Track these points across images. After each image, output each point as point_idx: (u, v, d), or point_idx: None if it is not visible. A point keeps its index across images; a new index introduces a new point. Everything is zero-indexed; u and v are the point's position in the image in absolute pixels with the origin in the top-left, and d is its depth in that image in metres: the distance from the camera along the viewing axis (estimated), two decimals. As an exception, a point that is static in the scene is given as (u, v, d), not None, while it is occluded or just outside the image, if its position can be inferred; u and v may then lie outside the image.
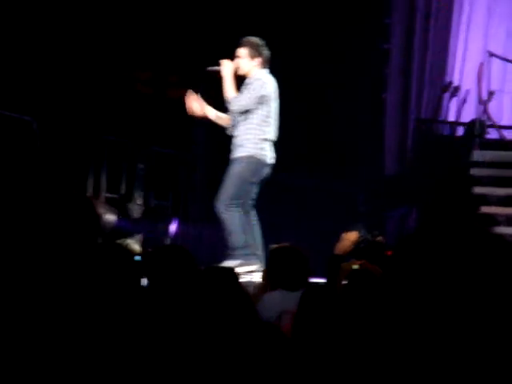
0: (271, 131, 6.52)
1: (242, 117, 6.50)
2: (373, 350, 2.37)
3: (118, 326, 2.25)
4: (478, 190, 8.28)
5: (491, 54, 8.66)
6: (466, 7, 9.22)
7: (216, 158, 9.28)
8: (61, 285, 2.08)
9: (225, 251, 6.40)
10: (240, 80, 6.60)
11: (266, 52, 6.55)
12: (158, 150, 9.18)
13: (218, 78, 6.53)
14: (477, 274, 1.26)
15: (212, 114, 6.69)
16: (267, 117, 6.49)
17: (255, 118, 6.46)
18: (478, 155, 8.47)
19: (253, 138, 6.44)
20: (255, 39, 6.56)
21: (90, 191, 8.35)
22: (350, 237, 5.37)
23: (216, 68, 6.54)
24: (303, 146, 9.12)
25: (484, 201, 8.25)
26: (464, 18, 9.22)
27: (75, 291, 2.13)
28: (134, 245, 6.51)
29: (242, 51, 6.52)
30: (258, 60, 6.51)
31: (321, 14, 9.07)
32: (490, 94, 8.71)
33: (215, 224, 8.09)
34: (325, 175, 8.97)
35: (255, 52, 6.51)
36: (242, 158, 6.43)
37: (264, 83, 6.47)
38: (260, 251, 6.37)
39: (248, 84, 6.50)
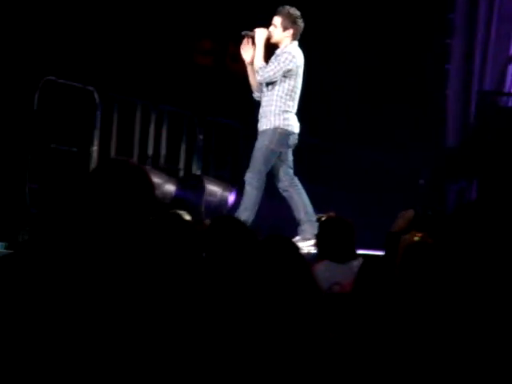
0: (294, 105, 6.56)
1: (269, 87, 6.53)
2: (429, 324, 2.34)
3: (176, 296, 2.26)
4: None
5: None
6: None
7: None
8: (117, 256, 2.10)
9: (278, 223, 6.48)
10: (271, 49, 6.61)
11: (301, 24, 6.54)
12: (218, 121, 9.19)
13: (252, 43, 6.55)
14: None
15: (253, 67, 6.65)
16: (292, 91, 6.54)
17: (280, 90, 6.50)
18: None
19: (274, 109, 6.49)
20: (292, 9, 6.54)
21: (149, 161, 8.42)
22: (406, 215, 5.33)
23: (250, 33, 6.57)
24: (366, 120, 9.05)
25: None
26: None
27: (132, 262, 2.15)
28: (185, 215, 6.55)
29: (277, 20, 6.53)
30: (290, 31, 6.51)
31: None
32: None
33: (271, 195, 8.10)
34: (385, 148, 8.89)
35: (289, 23, 6.50)
36: (267, 131, 6.49)
37: (293, 57, 6.49)
38: (313, 217, 6.41)
39: (277, 55, 6.53)
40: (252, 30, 6.58)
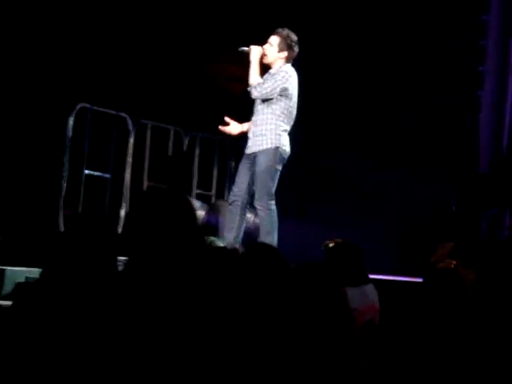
0: (290, 125, 6.48)
1: (264, 105, 6.47)
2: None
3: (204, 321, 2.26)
4: None
5: None
6: None
7: (306, 158, 9.28)
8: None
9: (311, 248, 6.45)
10: (263, 68, 6.60)
11: (296, 50, 6.50)
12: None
13: (246, 60, 6.53)
14: None
15: (246, 126, 6.64)
16: (288, 111, 6.46)
17: (277, 109, 6.43)
18: None
19: (275, 128, 6.41)
20: (291, 34, 6.50)
21: (181, 187, 8.45)
22: (447, 246, 5.33)
23: (246, 49, 6.54)
24: (395, 145, 9.03)
25: None
26: None
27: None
28: (219, 242, 6.55)
29: (274, 40, 6.49)
30: (285, 54, 6.48)
31: (416, 9, 8.96)
32: None
33: (304, 220, 8.10)
34: (416, 173, 8.86)
35: (285, 46, 6.47)
36: (267, 150, 6.38)
37: (290, 76, 6.44)
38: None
39: (273, 74, 6.47)
40: (248, 46, 6.54)
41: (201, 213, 7.98)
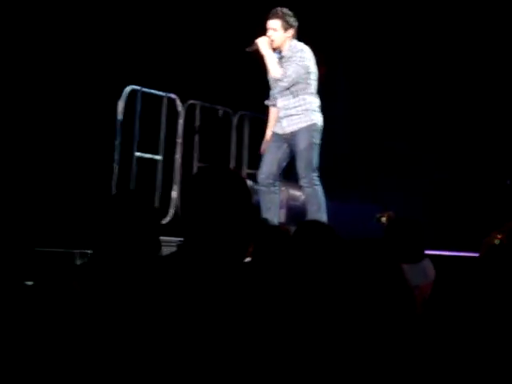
0: (316, 95, 6.47)
1: (293, 88, 6.41)
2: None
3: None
4: None
5: None
6: None
7: (355, 136, 9.22)
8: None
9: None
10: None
11: (296, 22, 6.44)
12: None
13: (259, 58, 6.47)
14: None
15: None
16: (315, 85, 6.43)
17: (307, 88, 6.40)
18: None
19: (310, 106, 6.38)
20: (285, 10, 6.44)
21: (232, 166, 8.44)
22: (489, 241, 5.22)
23: (253, 47, 6.46)
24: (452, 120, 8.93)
25: None
26: None
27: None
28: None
29: (276, 23, 6.42)
30: (291, 31, 6.41)
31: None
32: None
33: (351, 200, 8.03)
34: (471, 147, 8.76)
35: (287, 24, 6.41)
36: (308, 127, 6.36)
37: (304, 52, 6.39)
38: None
39: (289, 57, 6.41)
40: (253, 43, 6.47)
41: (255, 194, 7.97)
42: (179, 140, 7.86)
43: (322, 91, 6.62)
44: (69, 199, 7.26)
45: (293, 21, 6.44)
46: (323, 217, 6.23)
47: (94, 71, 7.55)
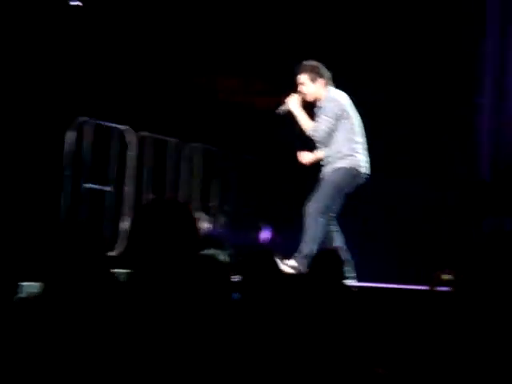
0: (360, 142, 6.57)
1: (329, 137, 6.55)
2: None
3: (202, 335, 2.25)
4: None
5: None
6: None
7: (303, 167, 9.27)
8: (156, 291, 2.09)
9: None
10: (311, 105, 6.68)
11: (325, 71, 6.59)
12: (249, 157, 9.21)
13: (291, 117, 6.61)
14: None
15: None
16: (352, 130, 6.55)
17: (340, 134, 6.51)
18: None
19: (344, 152, 6.50)
20: (311, 62, 6.59)
21: (182, 199, 8.43)
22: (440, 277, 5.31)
23: (284, 107, 6.62)
24: (399, 153, 9.02)
25: None
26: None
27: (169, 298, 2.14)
28: (221, 255, 6.54)
29: (303, 78, 6.57)
30: (320, 81, 6.54)
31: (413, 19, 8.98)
32: None
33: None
34: (416, 180, 8.85)
35: (315, 74, 6.55)
36: (339, 169, 6.50)
37: (335, 101, 6.54)
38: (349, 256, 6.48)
39: (321, 107, 6.57)
40: (282, 104, 6.61)
41: (203, 224, 7.97)
42: (129, 171, 7.84)
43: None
44: (16, 230, 7.17)
45: (319, 72, 6.57)
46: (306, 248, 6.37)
47: (45, 102, 7.51)
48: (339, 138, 6.51)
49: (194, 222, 2.15)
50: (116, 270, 3.55)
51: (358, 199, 8.54)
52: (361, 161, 6.57)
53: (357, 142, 6.57)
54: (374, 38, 8.99)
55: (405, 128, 8.95)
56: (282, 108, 6.64)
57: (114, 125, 7.74)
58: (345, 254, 6.51)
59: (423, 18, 8.94)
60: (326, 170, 6.59)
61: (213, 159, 8.92)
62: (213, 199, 8.85)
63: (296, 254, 6.48)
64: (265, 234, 8.18)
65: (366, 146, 6.67)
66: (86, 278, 2.23)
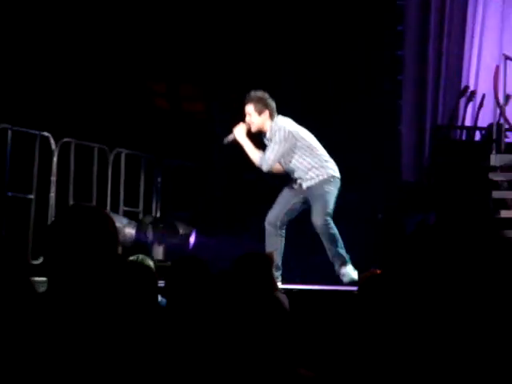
0: (323, 153, 6.79)
1: (289, 161, 6.71)
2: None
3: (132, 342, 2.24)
4: (497, 194, 8.23)
5: (506, 58, 8.61)
6: (480, 12, 9.19)
7: (234, 171, 9.29)
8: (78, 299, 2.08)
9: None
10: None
11: (272, 102, 6.70)
12: (175, 162, 9.19)
13: (238, 146, 6.70)
14: (483, 274, 1.25)
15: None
16: (310, 147, 6.74)
17: (301, 155, 6.70)
18: (496, 159, 8.41)
19: (319, 162, 6.72)
20: (259, 93, 6.68)
21: (108, 205, 8.36)
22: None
23: (231, 137, 6.71)
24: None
25: (503, 205, 8.20)
26: (478, 23, 9.19)
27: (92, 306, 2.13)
28: (148, 260, 6.51)
29: (249, 108, 6.67)
30: (266, 113, 6.65)
31: (332, 22, 9.06)
32: (507, 97, 8.66)
33: (234, 236, 8.11)
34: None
35: (262, 106, 6.64)
36: (325, 180, 6.74)
37: (283, 129, 6.65)
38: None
39: (270, 138, 6.68)
40: (229, 133, 6.69)
41: (129, 230, 7.92)
42: (53, 178, 7.75)
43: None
44: None
45: (266, 102, 6.65)
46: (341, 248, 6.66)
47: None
48: (302, 158, 6.69)
49: (111, 227, 2.14)
50: (37, 279, 3.52)
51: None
52: (332, 168, 6.79)
53: (320, 154, 6.77)
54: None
55: (330, 131, 9.05)
56: (229, 137, 6.70)
57: (36, 132, 7.63)
58: (278, 259, 6.60)
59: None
60: (314, 184, 6.75)
61: (138, 164, 8.87)
62: (139, 205, 8.81)
63: (336, 268, 6.67)
64: (192, 238, 8.17)
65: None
66: (5, 286, 2.20)
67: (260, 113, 6.63)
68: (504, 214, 8.11)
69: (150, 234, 8.01)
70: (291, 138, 6.65)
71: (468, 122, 9.17)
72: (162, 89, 9.61)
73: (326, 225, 6.65)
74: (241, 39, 9.06)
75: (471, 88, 9.11)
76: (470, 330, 1.28)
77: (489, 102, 8.87)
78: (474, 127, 9.10)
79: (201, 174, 9.33)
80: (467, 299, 1.29)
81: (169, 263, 5.30)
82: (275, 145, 6.62)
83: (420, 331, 1.32)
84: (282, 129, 6.66)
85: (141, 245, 7.66)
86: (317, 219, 6.66)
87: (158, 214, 8.86)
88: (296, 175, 6.81)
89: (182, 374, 2.68)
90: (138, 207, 8.79)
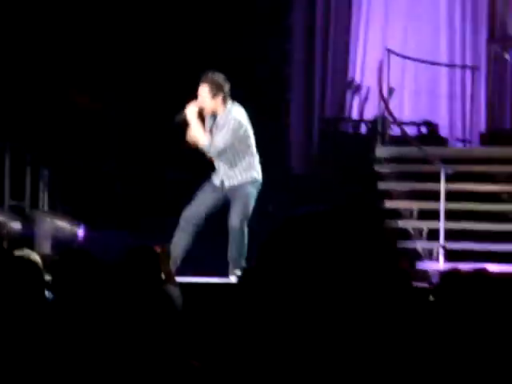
0: (256, 154, 6.76)
1: (225, 151, 6.64)
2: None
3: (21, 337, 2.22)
4: (382, 185, 8.44)
5: (390, 52, 8.82)
6: (364, 6, 9.39)
7: (130, 168, 9.19)
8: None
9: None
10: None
11: (227, 86, 6.59)
12: (61, 157, 9.04)
13: (186, 126, 6.59)
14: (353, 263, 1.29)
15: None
16: (252, 145, 6.71)
17: (243, 147, 6.64)
18: (381, 152, 8.62)
19: (249, 163, 6.67)
20: (215, 75, 6.58)
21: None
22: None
23: (182, 117, 6.56)
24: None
25: (388, 195, 8.42)
26: (363, 17, 9.38)
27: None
28: (34, 255, 6.40)
29: (204, 90, 6.54)
30: (219, 97, 6.54)
31: (220, 15, 9.05)
32: (391, 90, 8.88)
33: (123, 231, 8.05)
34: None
35: (216, 89, 6.52)
36: (249, 182, 6.70)
37: (237, 120, 6.58)
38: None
39: (221, 124, 6.59)
40: (181, 113, 6.54)
41: (13, 224, 7.75)
42: None
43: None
44: None
45: (221, 86, 6.50)
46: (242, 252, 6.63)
47: None
48: (244, 150, 6.64)
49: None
50: None
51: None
52: (258, 171, 6.76)
53: (255, 155, 6.75)
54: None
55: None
56: (179, 116, 6.53)
57: None
58: (179, 253, 6.54)
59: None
60: (237, 184, 6.68)
61: (23, 159, 8.68)
62: (25, 199, 8.62)
63: (231, 267, 6.61)
64: (81, 232, 8.06)
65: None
66: None
67: (214, 96, 6.51)
68: (389, 204, 8.33)
69: (36, 228, 7.86)
70: (243, 132, 6.59)
71: (355, 115, 9.36)
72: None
73: (241, 229, 6.62)
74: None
75: (357, 81, 9.30)
76: (341, 321, 1.32)
77: (374, 95, 9.08)
78: (360, 120, 9.30)
79: (91, 169, 9.19)
80: (336, 290, 1.32)
81: (56, 257, 5.22)
82: (227, 133, 6.52)
83: (291, 325, 1.35)
84: (238, 120, 6.56)
85: (27, 239, 7.51)
86: (234, 220, 6.62)
87: (46, 208, 8.69)
88: (222, 170, 6.72)
89: (70, 369, 2.65)
90: (24, 202, 8.60)
